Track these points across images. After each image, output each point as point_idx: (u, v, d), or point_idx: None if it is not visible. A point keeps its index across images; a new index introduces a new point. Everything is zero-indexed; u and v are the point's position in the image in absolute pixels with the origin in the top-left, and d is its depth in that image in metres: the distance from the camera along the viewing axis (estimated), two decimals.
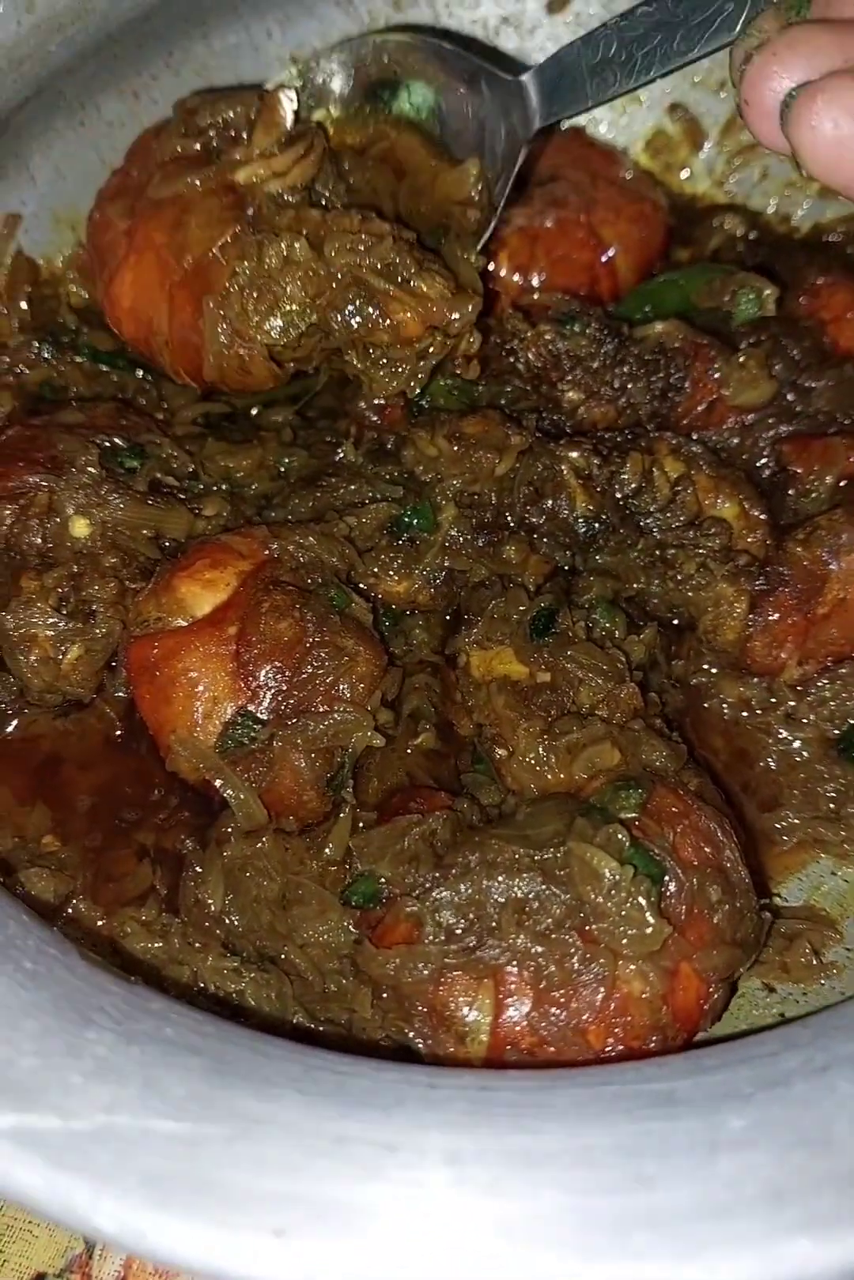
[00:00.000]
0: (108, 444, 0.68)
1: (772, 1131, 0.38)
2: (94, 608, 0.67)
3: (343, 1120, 0.38)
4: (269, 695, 0.61)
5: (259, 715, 0.61)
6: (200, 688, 0.62)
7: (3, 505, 0.66)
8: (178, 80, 0.80)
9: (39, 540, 0.67)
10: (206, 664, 0.62)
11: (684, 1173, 0.37)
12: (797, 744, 0.68)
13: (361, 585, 0.68)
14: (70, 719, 0.70)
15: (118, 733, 0.69)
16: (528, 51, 0.85)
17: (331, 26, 0.82)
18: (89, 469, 0.67)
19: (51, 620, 0.66)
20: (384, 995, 0.54)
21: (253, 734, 0.61)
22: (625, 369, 0.68)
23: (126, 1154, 0.36)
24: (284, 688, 0.62)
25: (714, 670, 0.69)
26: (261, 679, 0.61)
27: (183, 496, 0.69)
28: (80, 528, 0.67)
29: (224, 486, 0.71)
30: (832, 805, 0.67)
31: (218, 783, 0.61)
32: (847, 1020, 0.43)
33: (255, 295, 0.64)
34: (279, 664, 0.61)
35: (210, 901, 0.59)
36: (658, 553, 0.68)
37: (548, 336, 0.68)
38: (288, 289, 0.64)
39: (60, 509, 0.67)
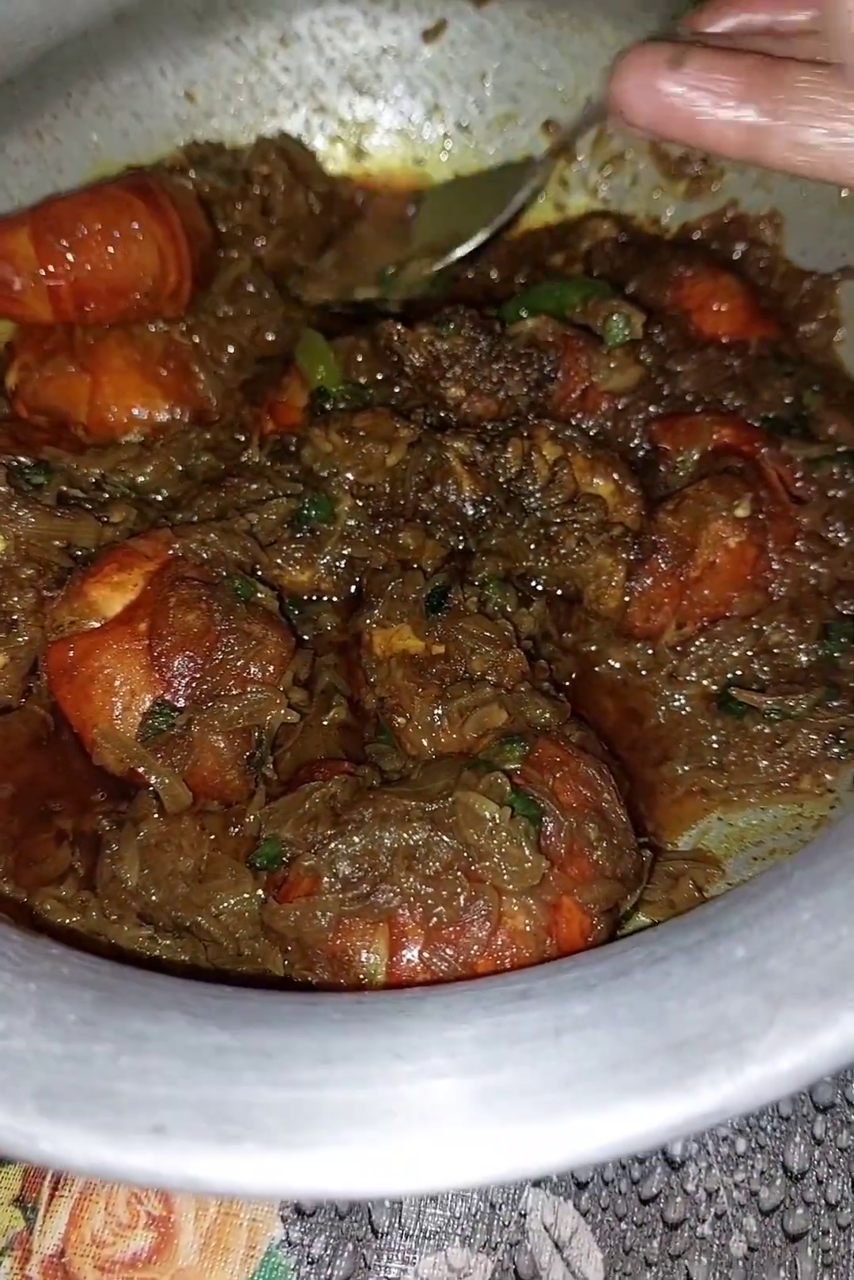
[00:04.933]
0: (14, 463, 0.72)
1: (611, 1013, 0.42)
2: (14, 617, 0.70)
3: (222, 1033, 0.41)
4: (183, 683, 0.65)
5: (175, 703, 0.64)
6: (117, 682, 0.65)
7: None
8: (79, 120, 0.85)
9: None
10: (121, 660, 0.65)
11: (532, 1053, 0.41)
12: (680, 701, 0.73)
13: (266, 576, 0.72)
14: None
15: (50, 732, 0.72)
16: (411, 78, 0.91)
17: (221, 64, 0.87)
18: None
19: None
20: (289, 948, 0.58)
21: (171, 721, 0.64)
22: (501, 364, 0.73)
23: (20, 1072, 0.39)
24: (197, 675, 0.65)
25: (600, 637, 0.73)
26: (175, 668, 0.65)
27: (90, 506, 0.73)
28: None
29: (131, 493, 0.75)
30: (715, 755, 0.71)
31: (142, 770, 0.64)
32: (689, 919, 0.47)
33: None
34: (190, 653, 0.65)
35: (127, 877, 0.62)
36: (542, 531, 0.72)
37: (426, 338, 0.73)
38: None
39: None
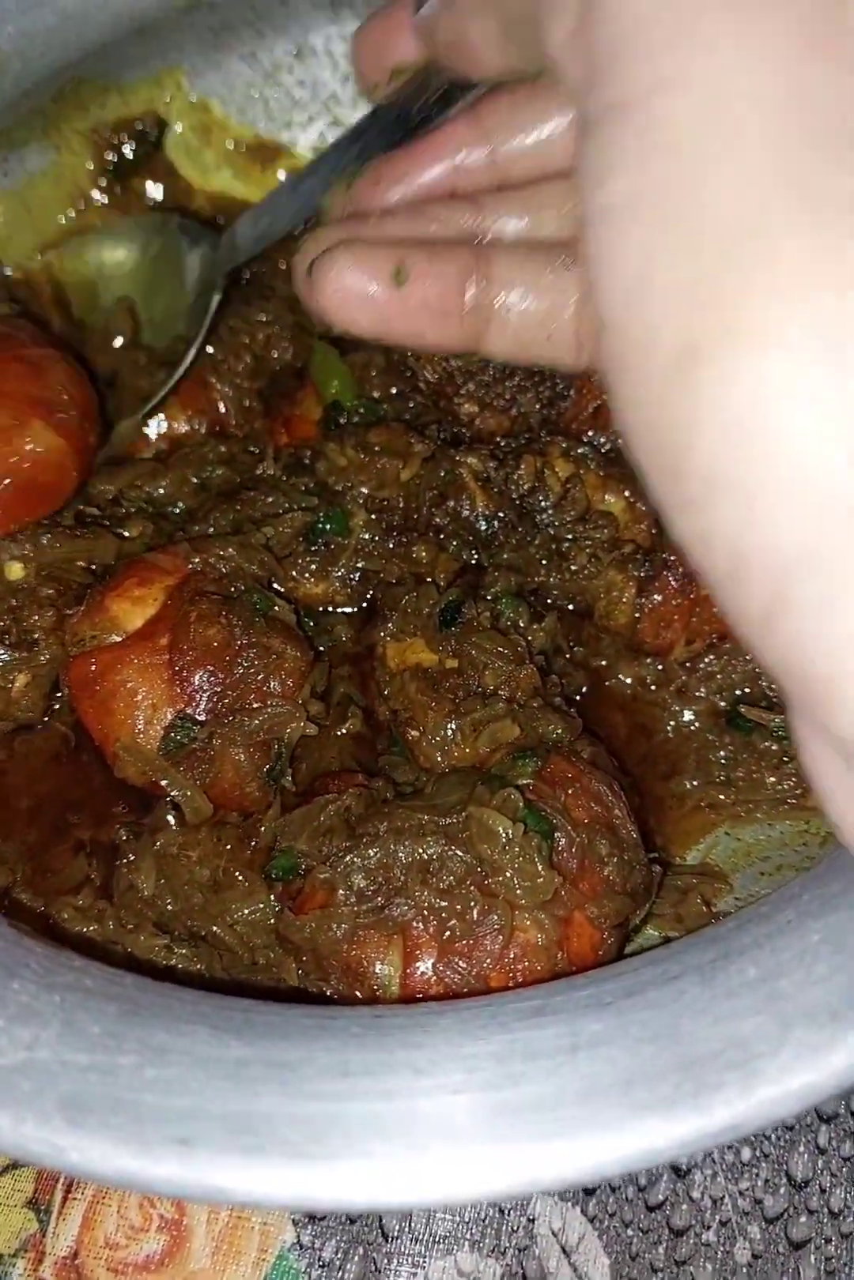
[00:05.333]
0: None
1: (626, 1030, 0.42)
2: (35, 636, 0.71)
3: (244, 1046, 0.42)
4: (204, 697, 0.65)
5: (197, 717, 0.65)
6: (139, 696, 0.65)
7: None
8: None
9: None
10: (143, 674, 0.66)
11: (548, 1069, 0.41)
12: (689, 716, 0.73)
13: (282, 589, 0.73)
14: (17, 741, 0.73)
15: (71, 748, 0.72)
16: None
17: (237, 78, 0.88)
18: None
19: None
20: (304, 959, 0.59)
21: (192, 734, 0.65)
22: (514, 381, 0.74)
23: (46, 1083, 0.40)
24: (218, 689, 0.65)
25: (610, 652, 0.74)
26: (196, 683, 0.65)
27: (106, 523, 0.74)
28: (15, 571, 0.71)
29: (147, 507, 0.76)
30: (723, 771, 0.72)
31: (164, 783, 0.65)
32: (701, 938, 0.48)
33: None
34: (211, 667, 0.65)
35: (143, 886, 0.63)
36: (554, 547, 0.73)
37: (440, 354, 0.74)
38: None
39: None
